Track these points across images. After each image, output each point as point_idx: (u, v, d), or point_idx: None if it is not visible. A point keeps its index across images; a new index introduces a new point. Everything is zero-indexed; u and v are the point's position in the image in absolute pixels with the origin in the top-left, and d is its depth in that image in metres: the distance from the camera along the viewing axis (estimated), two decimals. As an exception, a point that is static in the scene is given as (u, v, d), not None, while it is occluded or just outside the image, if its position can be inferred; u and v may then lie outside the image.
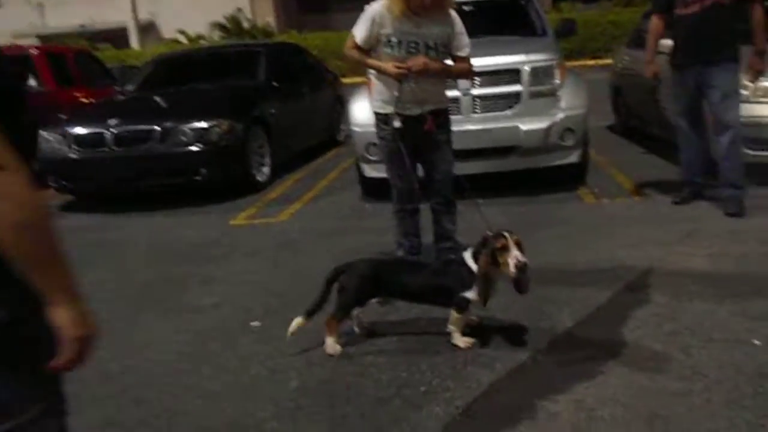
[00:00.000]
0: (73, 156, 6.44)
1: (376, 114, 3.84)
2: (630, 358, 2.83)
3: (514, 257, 2.82)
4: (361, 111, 5.71)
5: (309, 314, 3.05)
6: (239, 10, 31.53)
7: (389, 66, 3.55)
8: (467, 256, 3.04)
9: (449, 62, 3.78)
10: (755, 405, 2.41)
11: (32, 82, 8.45)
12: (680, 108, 4.99)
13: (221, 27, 30.19)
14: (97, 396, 2.88)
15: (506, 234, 2.90)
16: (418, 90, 3.63)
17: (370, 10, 3.62)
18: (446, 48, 3.70)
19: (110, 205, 6.63)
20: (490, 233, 2.98)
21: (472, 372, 2.82)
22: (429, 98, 3.70)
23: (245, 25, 31.07)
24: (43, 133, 6.58)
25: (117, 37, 30.72)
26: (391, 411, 2.59)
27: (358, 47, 3.69)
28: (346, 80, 10.83)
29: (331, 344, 3.07)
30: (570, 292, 3.56)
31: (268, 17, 34.59)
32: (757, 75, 4.80)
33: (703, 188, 5.06)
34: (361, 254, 3.95)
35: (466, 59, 3.79)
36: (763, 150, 5.09)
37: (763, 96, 5.12)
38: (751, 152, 5.00)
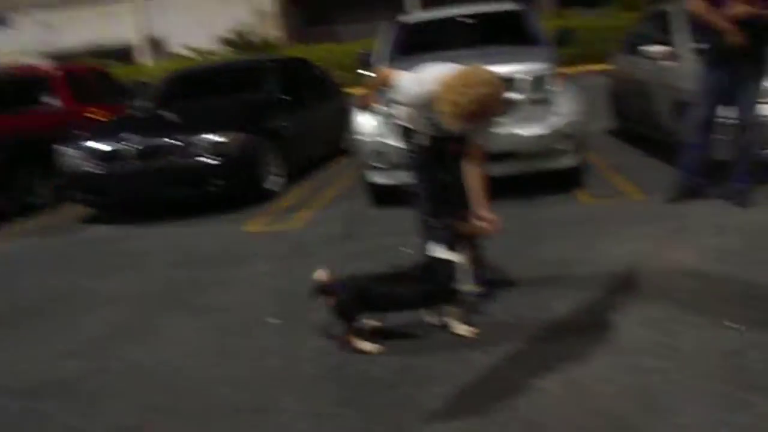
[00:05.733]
0: (96, 171, 6.76)
1: (401, 126, 3.86)
2: (618, 342, 3.10)
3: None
4: (365, 120, 6.00)
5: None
6: (245, 24, 32.03)
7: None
8: (439, 250, 3.29)
9: None
10: (728, 377, 2.70)
11: (51, 99, 8.70)
12: (701, 107, 5.19)
13: (229, 42, 30.59)
14: (130, 387, 3.22)
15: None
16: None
17: (424, 95, 3.36)
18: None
19: (129, 216, 6.95)
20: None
21: (473, 356, 3.09)
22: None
23: (252, 39, 31.47)
24: (66, 149, 6.92)
25: (124, 54, 31.29)
26: (399, 391, 2.87)
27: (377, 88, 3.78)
28: (349, 91, 11.10)
29: (368, 346, 3.24)
30: (566, 285, 3.83)
31: (274, 31, 35.08)
32: None
33: (697, 187, 5.33)
34: (373, 257, 4.27)
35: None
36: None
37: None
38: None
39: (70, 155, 6.90)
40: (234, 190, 6.80)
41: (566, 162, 5.91)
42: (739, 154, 5.15)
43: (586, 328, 3.28)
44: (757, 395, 2.54)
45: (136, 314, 4.23)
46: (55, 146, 7.02)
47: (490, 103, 3.15)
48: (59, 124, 8.02)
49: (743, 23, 4.80)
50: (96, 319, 4.19)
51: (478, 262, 3.78)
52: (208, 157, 6.55)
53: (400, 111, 3.85)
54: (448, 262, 3.28)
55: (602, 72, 10.41)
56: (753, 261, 3.92)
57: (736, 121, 5.10)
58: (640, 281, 3.82)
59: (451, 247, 3.29)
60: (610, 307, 3.48)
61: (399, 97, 3.59)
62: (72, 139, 7.04)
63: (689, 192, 5.34)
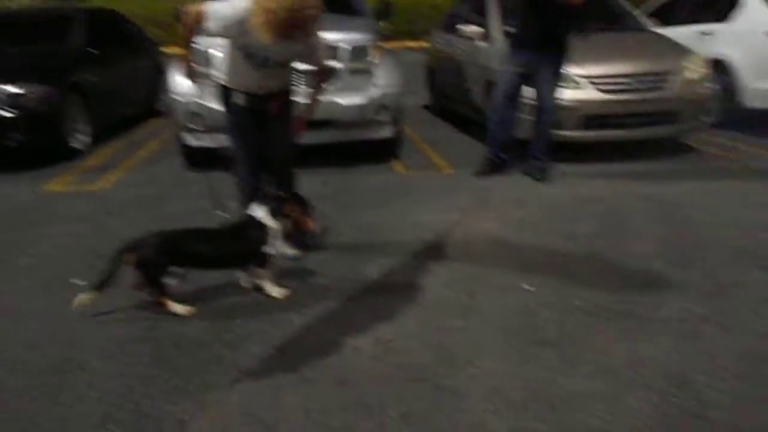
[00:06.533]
0: None
1: (220, 86, 3.80)
2: (425, 302, 3.30)
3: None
4: (182, 80, 5.76)
5: (98, 288, 3.09)
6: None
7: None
8: (261, 214, 3.32)
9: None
10: (521, 333, 2.97)
11: None
12: (506, 88, 5.58)
13: (29, -12, 27.68)
14: None
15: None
16: (265, 79, 3.66)
17: (236, 13, 3.34)
18: (299, 61, 3.77)
19: None
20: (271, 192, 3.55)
21: (287, 317, 3.13)
22: (274, 85, 3.72)
23: (57, -13, 28.69)
24: None
25: None
26: (212, 352, 2.83)
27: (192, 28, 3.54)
28: (165, 50, 10.55)
29: (180, 308, 3.16)
30: (378, 250, 3.98)
31: (81, -21, 32.26)
32: None
33: (501, 162, 5.75)
34: (185, 219, 4.12)
35: (321, 72, 3.82)
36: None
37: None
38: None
39: None
40: (34, 146, 6.30)
41: (383, 133, 6.10)
42: (539, 133, 5.62)
43: (396, 290, 3.45)
44: (544, 349, 2.82)
45: None
46: None
47: (302, 9, 3.13)
48: None
49: (542, 10, 5.22)
50: None
51: (299, 227, 3.80)
52: (2, 109, 6.02)
53: (216, 61, 3.78)
54: (261, 225, 3.29)
55: (420, 49, 10.82)
56: (549, 231, 4.32)
57: (537, 102, 5.55)
58: (447, 247, 4.07)
59: (273, 214, 3.31)
60: (419, 270, 3.68)
61: (212, 25, 3.44)
62: None
63: (495, 167, 5.75)
